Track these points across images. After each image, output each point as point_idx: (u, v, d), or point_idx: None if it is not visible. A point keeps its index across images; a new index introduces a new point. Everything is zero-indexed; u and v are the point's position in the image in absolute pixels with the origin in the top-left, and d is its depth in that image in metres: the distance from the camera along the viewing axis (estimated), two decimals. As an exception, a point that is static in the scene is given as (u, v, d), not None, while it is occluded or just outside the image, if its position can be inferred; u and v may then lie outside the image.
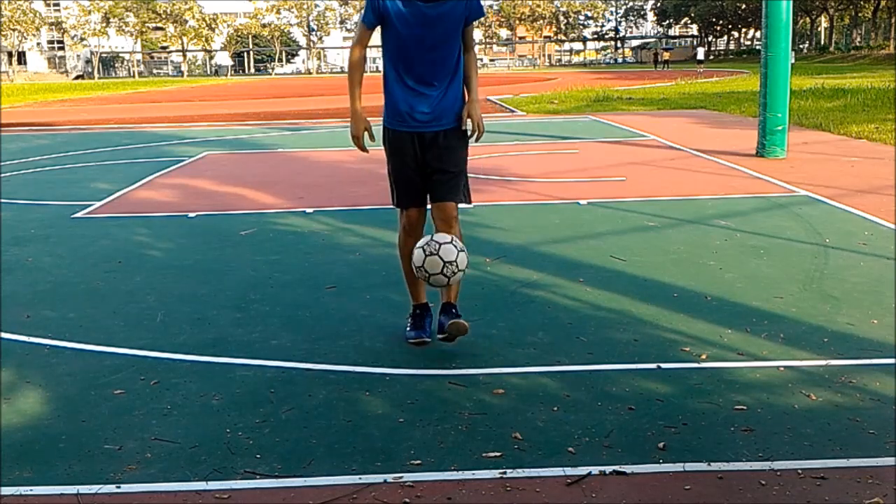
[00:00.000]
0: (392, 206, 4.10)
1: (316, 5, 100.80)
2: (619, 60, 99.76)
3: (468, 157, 4.05)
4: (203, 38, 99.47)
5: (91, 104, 29.69)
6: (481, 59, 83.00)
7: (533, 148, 12.10)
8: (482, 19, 4.24)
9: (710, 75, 39.08)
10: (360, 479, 2.78)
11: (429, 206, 4.00)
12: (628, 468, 2.79)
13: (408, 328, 4.11)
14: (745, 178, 8.71)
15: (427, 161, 3.90)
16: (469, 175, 4.05)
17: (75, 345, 4.13)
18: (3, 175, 10.52)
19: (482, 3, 4.02)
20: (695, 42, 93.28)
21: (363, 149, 4.01)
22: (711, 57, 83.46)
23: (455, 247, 3.71)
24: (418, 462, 2.88)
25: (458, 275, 3.74)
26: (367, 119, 3.95)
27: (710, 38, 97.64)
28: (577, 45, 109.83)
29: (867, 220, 6.50)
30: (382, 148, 4.02)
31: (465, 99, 3.95)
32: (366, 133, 3.97)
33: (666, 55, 62.80)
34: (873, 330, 4.06)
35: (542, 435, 3.05)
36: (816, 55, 63.84)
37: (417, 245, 3.76)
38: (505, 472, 2.79)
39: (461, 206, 3.99)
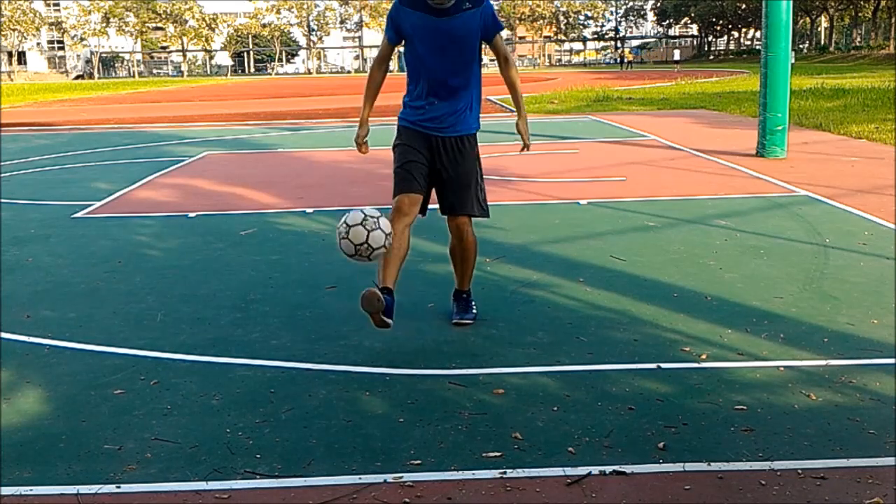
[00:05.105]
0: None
1: (316, 5, 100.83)
2: (618, 60, 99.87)
3: (482, 170, 4.16)
4: (203, 38, 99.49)
5: (91, 104, 29.67)
6: (481, 60, 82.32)
7: (533, 148, 12.03)
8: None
9: (686, 75, 39.07)
10: (360, 479, 2.78)
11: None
12: (628, 468, 2.79)
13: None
14: (745, 177, 8.71)
15: (436, 166, 4.01)
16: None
17: (75, 345, 4.13)
18: (3, 175, 10.52)
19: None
20: (671, 42, 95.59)
21: (363, 150, 4.27)
22: (711, 57, 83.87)
23: (383, 231, 3.79)
24: (418, 462, 2.88)
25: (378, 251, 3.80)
26: (370, 129, 4.17)
27: (710, 38, 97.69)
28: (577, 45, 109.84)
29: (867, 220, 6.50)
30: (389, 148, 4.11)
31: (478, 109, 4.17)
32: (365, 142, 4.23)
33: (629, 56, 65.07)
34: (873, 330, 4.06)
35: (542, 435, 3.05)
36: (816, 55, 63.83)
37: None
38: (505, 472, 2.79)
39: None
